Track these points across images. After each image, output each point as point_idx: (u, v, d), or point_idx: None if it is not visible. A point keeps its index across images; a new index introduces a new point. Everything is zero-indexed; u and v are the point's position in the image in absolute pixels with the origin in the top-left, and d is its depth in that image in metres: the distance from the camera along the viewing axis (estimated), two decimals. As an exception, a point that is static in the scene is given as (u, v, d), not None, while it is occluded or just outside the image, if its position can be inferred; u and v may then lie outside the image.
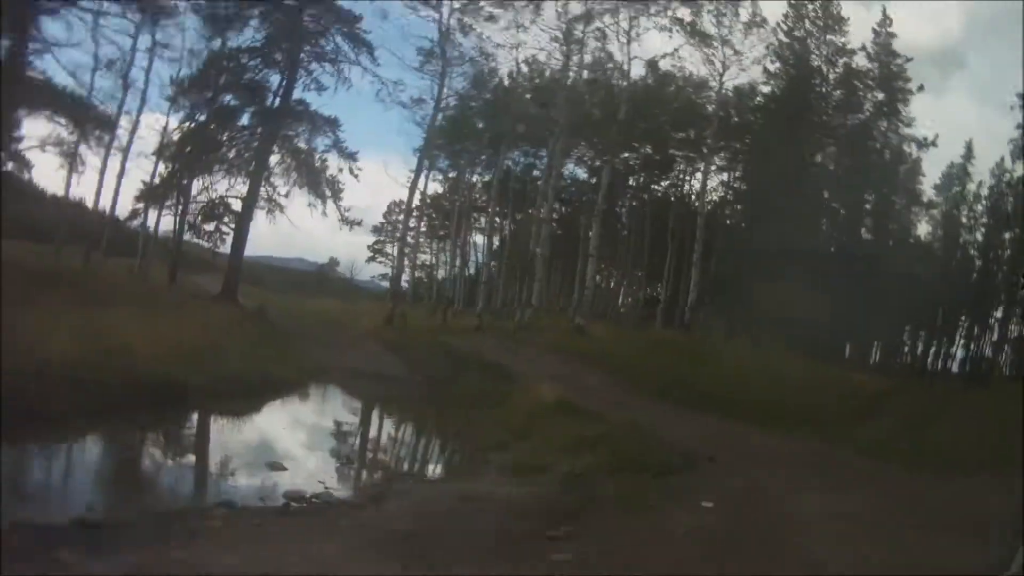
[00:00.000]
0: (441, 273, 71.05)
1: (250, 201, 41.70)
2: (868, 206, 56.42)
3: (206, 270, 48.01)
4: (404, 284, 66.66)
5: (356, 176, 44.78)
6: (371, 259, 77.26)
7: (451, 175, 65.49)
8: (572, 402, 23.14)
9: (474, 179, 64.39)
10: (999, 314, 55.60)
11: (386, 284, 63.38)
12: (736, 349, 40.62)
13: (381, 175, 78.64)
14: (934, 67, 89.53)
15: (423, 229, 76.35)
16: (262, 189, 42.55)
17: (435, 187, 66.62)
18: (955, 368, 57.23)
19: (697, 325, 49.82)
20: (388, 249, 76.03)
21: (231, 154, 43.31)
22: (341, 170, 44.28)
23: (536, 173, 59.31)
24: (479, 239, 68.72)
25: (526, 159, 62.61)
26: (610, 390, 29.30)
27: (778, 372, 32.79)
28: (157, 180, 42.76)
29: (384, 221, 78.68)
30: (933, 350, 60.01)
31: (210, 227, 43.47)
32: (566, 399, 23.23)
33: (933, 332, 60.56)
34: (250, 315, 35.72)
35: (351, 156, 44.47)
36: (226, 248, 43.42)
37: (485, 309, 50.98)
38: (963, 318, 58.77)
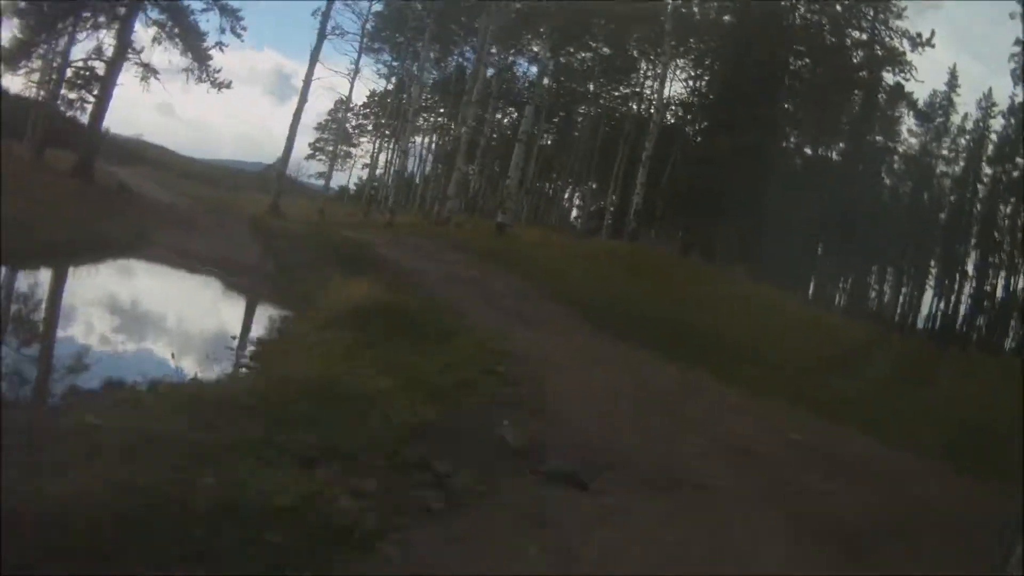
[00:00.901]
0: (378, 172, 64.82)
1: (115, 64, 33.30)
2: (844, 124, 48.57)
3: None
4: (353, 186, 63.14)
5: (240, 36, 36.80)
6: (310, 156, 74.72)
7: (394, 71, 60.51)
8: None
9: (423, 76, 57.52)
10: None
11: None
12: (681, 265, 33.24)
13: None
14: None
15: (369, 128, 72.52)
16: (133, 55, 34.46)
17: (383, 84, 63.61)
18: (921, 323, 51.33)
19: (645, 238, 42.01)
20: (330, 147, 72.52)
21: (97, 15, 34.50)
22: (224, 30, 36.13)
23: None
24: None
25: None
26: (496, 290, 22.40)
27: (729, 297, 25.40)
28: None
29: (328, 119, 73.97)
30: (902, 299, 54.04)
31: (73, 95, 35.85)
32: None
33: (901, 277, 54.35)
34: (103, 191, 29.54)
35: (234, 14, 36.34)
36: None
37: (403, 206, 44.12)
38: (932, 263, 52.70)
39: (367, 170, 68.54)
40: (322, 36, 39.45)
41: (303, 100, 39.21)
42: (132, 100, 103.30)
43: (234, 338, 14.64)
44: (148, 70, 34.83)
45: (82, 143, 32.23)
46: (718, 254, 39.73)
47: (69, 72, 35.27)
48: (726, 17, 47.14)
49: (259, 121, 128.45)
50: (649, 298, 23.38)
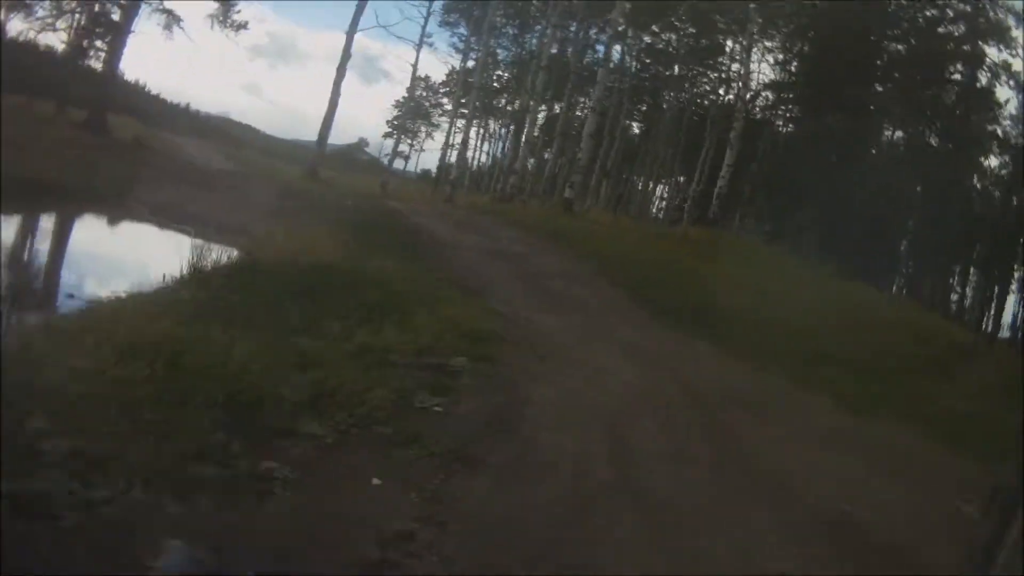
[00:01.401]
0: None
1: (129, 9, 30.96)
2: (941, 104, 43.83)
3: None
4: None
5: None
6: (388, 135, 68.00)
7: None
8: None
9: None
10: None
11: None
12: (764, 255, 29.62)
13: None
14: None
15: (448, 107, 68.79)
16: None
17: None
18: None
19: (728, 226, 38.48)
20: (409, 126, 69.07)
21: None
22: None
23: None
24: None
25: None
26: (541, 268, 19.06)
27: (813, 292, 21.75)
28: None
29: (407, 96, 70.94)
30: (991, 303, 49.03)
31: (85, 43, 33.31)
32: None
33: (987, 278, 49.36)
34: (113, 144, 26.82)
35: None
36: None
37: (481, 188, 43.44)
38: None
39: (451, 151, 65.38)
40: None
41: (342, 71, 35.08)
42: (221, 80, 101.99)
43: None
44: (171, 18, 32.60)
45: (99, 92, 29.81)
46: (803, 245, 36.06)
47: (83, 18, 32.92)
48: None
49: (345, 102, 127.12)
50: (723, 288, 19.75)
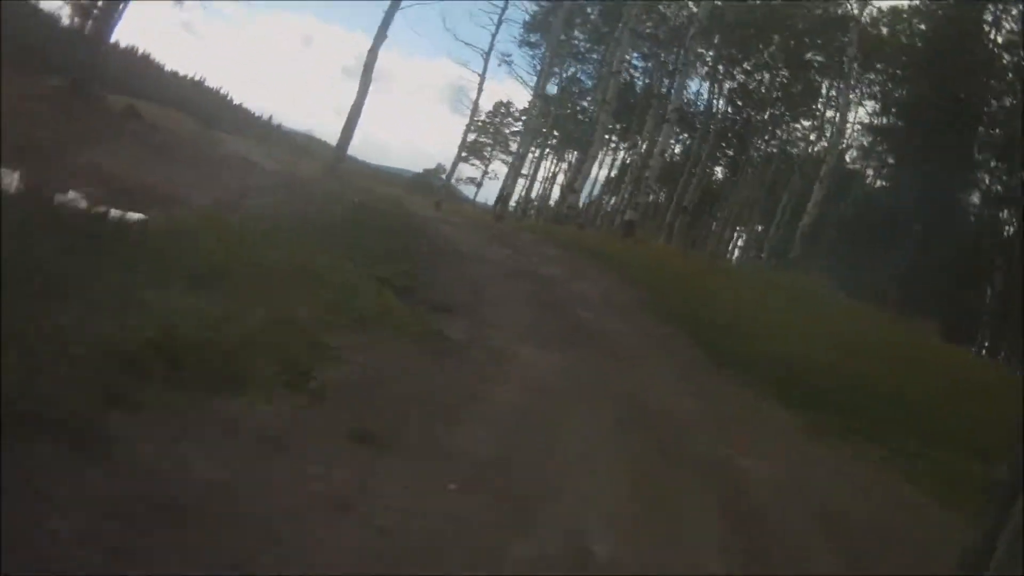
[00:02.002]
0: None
1: None
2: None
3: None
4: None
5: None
6: (463, 159, 63.51)
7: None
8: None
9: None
10: None
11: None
12: (849, 306, 24.67)
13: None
14: None
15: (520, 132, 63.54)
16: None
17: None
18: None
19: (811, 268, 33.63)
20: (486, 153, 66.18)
21: None
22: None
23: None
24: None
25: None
26: (574, 292, 14.98)
27: (910, 352, 16.83)
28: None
29: (486, 121, 66.64)
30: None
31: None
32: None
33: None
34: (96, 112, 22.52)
35: None
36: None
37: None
38: None
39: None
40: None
41: (366, 81, 29.41)
42: (312, 100, 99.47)
43: None
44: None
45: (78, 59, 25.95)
46: (895, 301, 31.26)
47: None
48: (920, 25, 38.51)
49: (430, 130, 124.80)
50: (804, 337, 15.13)
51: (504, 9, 40.74)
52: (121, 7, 25.44)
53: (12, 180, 9.39)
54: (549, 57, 40.84)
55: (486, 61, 41.19)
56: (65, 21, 28.28)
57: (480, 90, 41.87)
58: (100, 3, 25.95)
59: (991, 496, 4.19)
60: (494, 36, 40.72)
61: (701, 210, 49.68)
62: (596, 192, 52.00)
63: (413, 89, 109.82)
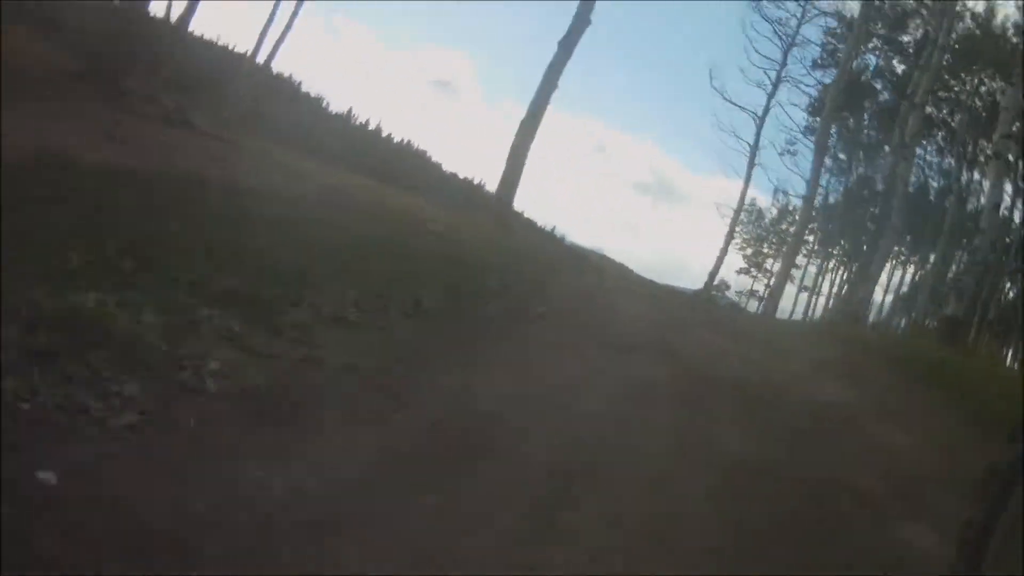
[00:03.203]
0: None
1: None
2: None
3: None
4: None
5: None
6: (743, 271, 54.61)
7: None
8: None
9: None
10: None
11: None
12: None
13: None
14: None
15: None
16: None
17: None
18: None
19: None
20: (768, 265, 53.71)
21: None
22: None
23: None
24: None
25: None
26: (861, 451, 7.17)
27: None
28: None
29: (769, 231, 56.39)
30: None
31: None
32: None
33: None
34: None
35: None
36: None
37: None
38: None
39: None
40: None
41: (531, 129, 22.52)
42: (599, 218, 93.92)
43: None
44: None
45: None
46: None
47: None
48: None
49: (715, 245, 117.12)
50: None
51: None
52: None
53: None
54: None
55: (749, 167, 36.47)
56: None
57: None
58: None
59: (990, 480, 3.55)
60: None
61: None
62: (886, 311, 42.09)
63: (709, 206, 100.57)
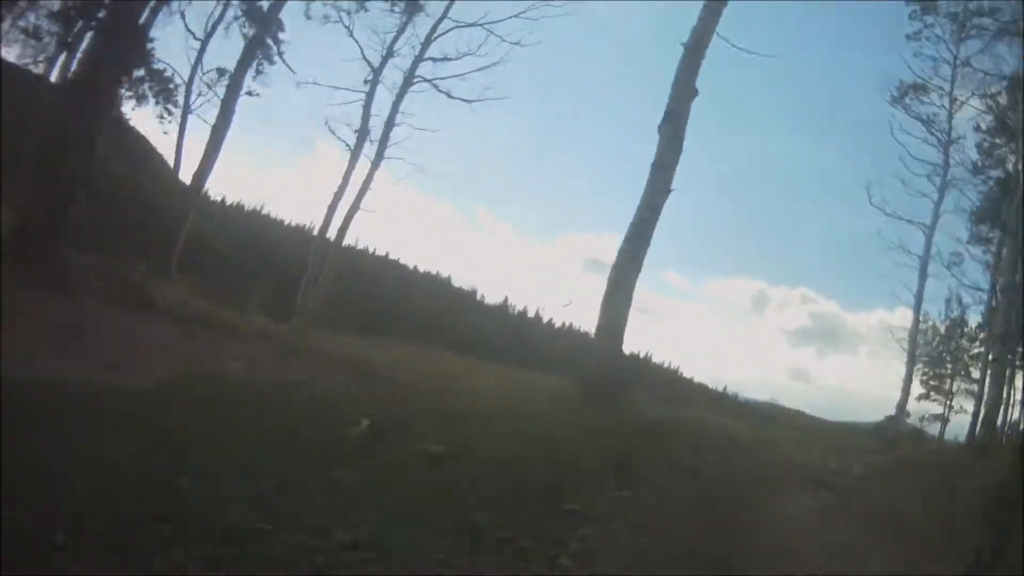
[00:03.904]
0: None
1: None
2: None
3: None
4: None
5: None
6: (922, 397, 50.15)
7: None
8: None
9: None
10: None
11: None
12: None
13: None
14: None
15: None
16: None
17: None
18: None
19: None
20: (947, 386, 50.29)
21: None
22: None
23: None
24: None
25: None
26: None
27: None
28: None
29: (942, 349, 55.72)
30: None
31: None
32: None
33: None
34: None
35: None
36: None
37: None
38: None
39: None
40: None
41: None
42: (767, 366, 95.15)
43: None
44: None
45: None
46: None
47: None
48: None
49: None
50: None
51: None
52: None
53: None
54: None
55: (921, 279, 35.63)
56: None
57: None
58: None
59: (1001, 496, 4.22)
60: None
61: None
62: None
63: (871, 341, 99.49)
